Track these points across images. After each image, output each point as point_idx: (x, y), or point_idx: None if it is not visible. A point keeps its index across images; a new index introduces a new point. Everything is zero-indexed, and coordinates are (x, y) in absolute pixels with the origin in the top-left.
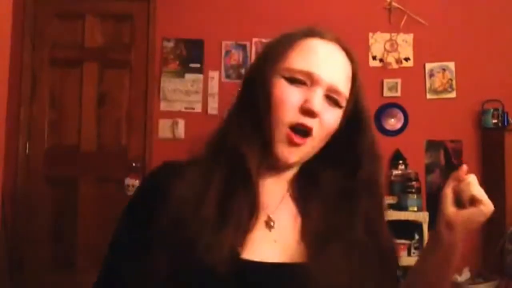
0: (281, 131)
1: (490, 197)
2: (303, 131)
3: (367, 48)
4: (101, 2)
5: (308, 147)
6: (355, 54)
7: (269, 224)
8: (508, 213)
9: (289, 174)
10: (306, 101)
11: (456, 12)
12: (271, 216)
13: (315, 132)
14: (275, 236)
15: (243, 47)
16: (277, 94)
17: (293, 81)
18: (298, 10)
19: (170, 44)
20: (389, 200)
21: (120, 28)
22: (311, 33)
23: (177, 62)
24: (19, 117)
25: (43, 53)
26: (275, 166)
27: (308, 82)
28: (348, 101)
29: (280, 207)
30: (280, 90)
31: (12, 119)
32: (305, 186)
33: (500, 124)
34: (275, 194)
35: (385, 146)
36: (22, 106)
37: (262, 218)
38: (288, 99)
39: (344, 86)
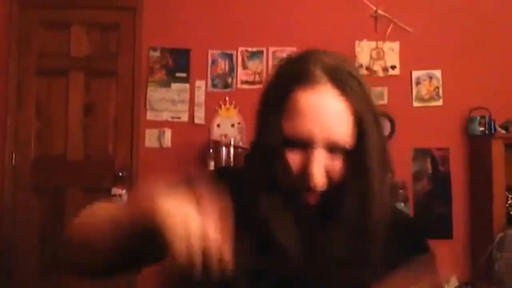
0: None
1: (477, 204)
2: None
3: (353, 56)
4: (87, 11)
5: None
6: (353, 84)
7: None
8: (495, 221)
9: None
10: (306, 174)
11: (442, 19)
12: None
13: (327, 184)
14: None
15: (230, 56)
16: (278, 166)
17: (291, 144)
18: (284, 19)
19: (157, 54)
20: None
21: (107, 38)
22: (301, 81)
23: (164, 72)
24: (6, 127)
25: (29, 62)
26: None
27: (305, 145)
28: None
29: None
30: (280, 161)
31: None
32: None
33: (487, 131)
34: None
35: None
36: (8, 115)
37: None
38: (288, 171)
39: (343, 134)
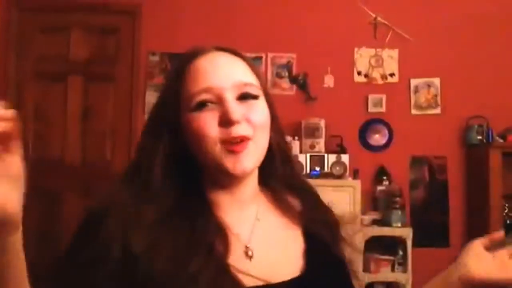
0: (218, 150)
1: (474, 212)
2: (239, 141)
3: (352, 63)
4: (86, 15)
5: (254, 150)
6: (239, 51)
7: (247, 254)
8: (492, 229)
9: (248, 195)
10: (222, 115)
11: (441, 27)
12: (248, 245)
13: (251, 133)
14: (256, 264)
15: None
16: (195, 129)
17: (200, 106)
18: (283, 25)
19: (156, 58)
20: (373, 215)
21: (105, 42)
22: (192, 55)
23: (162, 76)
24: None
25: (28, 66)
26: (231, 189)
27: (214, 98)
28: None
29: (254, 233)
30: (196, 124)
31: None
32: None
33: (484, 140)
34: (245, 221)
35: (370, 162)
36: None
37: (239, 250)
38: (206, 126)
39: (248, 76)
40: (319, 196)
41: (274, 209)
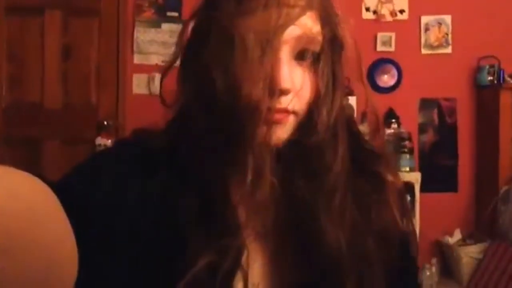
0: (254, 113)
1: (483, 156)
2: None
3: None
4: None
5: (291, 123)
6: None
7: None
8: (501, 173)
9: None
10: (270, 76)
11: None
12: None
13: (293, 107)
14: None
15: None
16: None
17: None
18: None
19: None
20: None
21: None
22: None
23: (153, 10)
24: None
25: None
26: None
27: (266, 45)
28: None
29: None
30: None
31: None
32: None
33: (495, 81)
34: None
35: (378, 104)
36: None
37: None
38: (251, 75)
39: (313, 32)
40: None
41: None
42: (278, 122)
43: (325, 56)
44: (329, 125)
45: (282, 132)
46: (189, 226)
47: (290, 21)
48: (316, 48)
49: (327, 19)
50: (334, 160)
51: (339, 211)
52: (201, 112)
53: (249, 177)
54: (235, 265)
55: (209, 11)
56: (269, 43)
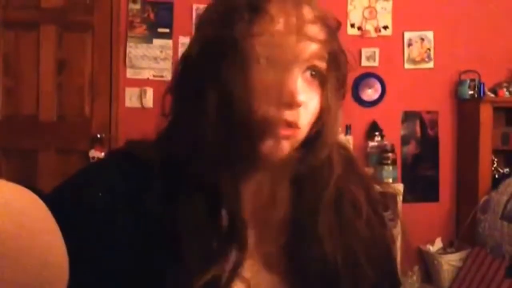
0: (262, 125)
1: (464, 167)
2: (288, 124)
3: (346, 15)
4: None
5: (297, 139)
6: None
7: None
8: (481, 184)
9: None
10: (284, 89)
11: None
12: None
13: (301, 122)
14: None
15: None
16: (254, 81)
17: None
18: None
19: (136, 7)
20: None
21: None
22: None
23: (144, 26)
24: None
25: None
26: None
27: (279, 62)
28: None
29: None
30: (257, 75)
31: None
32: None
33: (476, 95)
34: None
35: (362, 118)
36: None
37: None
38: (265, 87)
39: (321, 51)
40: None
41: None
42: (285, 138)
43: (331, 72)
44: (335, 140)
45: (288, 146)
46: (188, 238)
47: (303, 37)
48: (323, 64)
49: (331, 36)
50: (331, 177)
51: (335, 226)
52: (214, 126)
53: (265, 194)
54: (234, 277)
55: (217, 28)
56: (283, 59)
